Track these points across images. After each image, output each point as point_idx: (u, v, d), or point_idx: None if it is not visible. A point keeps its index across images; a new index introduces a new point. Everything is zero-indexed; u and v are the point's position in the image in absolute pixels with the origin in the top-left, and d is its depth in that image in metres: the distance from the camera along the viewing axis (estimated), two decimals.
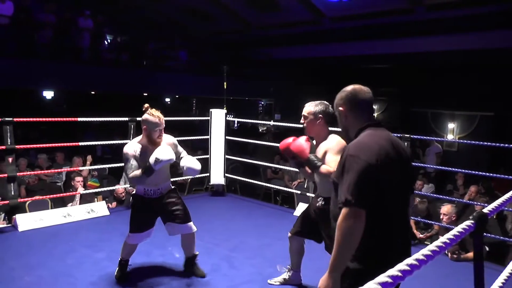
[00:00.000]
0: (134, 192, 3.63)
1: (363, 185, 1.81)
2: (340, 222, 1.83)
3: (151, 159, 3.26)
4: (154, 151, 3.33)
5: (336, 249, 1.85)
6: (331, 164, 2.92)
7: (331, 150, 2.97)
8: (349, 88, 2.18)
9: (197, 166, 3.52)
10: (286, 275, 3.62)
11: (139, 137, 3.52)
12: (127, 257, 3.69)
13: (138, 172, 3.33)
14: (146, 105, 3.48)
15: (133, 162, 3.38)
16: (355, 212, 1.80)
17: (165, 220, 3.59)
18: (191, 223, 3.60)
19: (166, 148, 3.34)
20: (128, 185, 6.19)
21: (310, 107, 3.11)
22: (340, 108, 2.14)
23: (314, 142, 3.21)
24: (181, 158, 3.61)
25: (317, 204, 3.17)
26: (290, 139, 3.17)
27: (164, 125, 3.46)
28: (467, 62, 11.41)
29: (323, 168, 2.94)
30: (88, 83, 11.60)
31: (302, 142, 3.09)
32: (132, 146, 3.44)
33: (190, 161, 3.51)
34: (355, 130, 2.08)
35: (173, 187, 3.69)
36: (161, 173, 3.45)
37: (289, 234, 3.49)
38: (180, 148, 3.70)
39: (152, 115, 3.39)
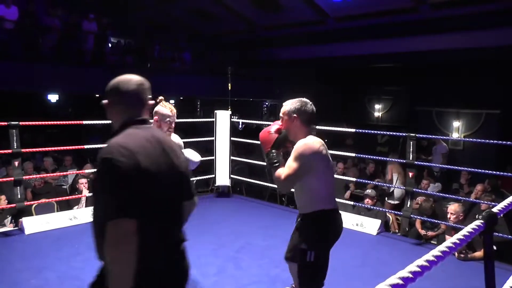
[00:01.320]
0: None
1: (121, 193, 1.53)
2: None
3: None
4: None
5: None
6: (285, 169, 2.60)
7: (293, 153, 2.60)
8: (116, 78, 1.85)
9: (197, 157, 3.45)
10: None
11: None
12: None
13: None
14: (161, 97, 3.41)
15: None
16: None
17: None
18: None
19: (193, 151, 3.28)
20: None
21: (286, 106, 2.74)
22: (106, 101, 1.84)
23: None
24: None
25: (296, 221, 2.84)
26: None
27: (175, 118, 3.38)
28: (471, 60, 11.35)
29: (278, 171, 2.63)
30: (93, 86, 11.62)
31: (269, 132, 2.76)
32: None
33: (189, 153, 3.45)
34: (117, 126, 1.78)
35: None
36: None
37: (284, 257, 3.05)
38: (184, 150, 3.66)
39: (165, 106, 3.35)
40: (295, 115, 2.67)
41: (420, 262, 1.01)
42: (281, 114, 2.76)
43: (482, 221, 1.48)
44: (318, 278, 2.64)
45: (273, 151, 2.68)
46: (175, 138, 3.57)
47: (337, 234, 2.71)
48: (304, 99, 2.76)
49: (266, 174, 8.73)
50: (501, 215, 5.25)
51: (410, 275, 0.93)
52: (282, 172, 2.59)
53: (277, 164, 2.63)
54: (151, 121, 2.20)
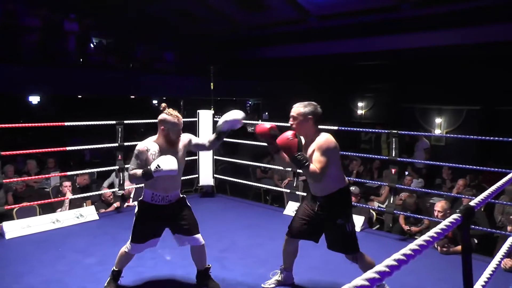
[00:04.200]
0: (141, 198, 3.42)
1: None
2: None
3: (153, 165, 3.12)
4: (169, 150, 3.25)
5: None
6: (316, 164, 2.99)
7: (318, 149, 3.02)
8: None
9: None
10: (279, 277, 3.59)
11: (154, 137, 3.36)
12: (122, 267, 3.50)
13: (138, 172, 3.18)
14: (164, 104, 3.33)
15: (138, 160, 3.25)
16: None
17: (174, 231, 3.44)
18: (199, 235, 3.45)
19: (171, 159, 3.15)
20: (117, 188, 6.16)
21: (300, 108, 3.12)
22: None
23: (303, 140, 3.23)
24: (213, 140, 3.53)
25: (317, 205, 3.22)
26: (268, 125, 3.16)
27: (182, 125, 3.33)
28: (452, 57, 11.51)
29: (311, 167, 2.98)
30: (75, 87, 11.50)
31: (288, 138, 3.04)
32: (145, 144, 3.30)
33: (226, 116, 3.44)
34: None
35: (182, 196, 3.51)
36: (172, 179, 3.30)
37: (286, 237, 3.47)
38: (196, 139, 3.57)
39: (171, 114, 3.27)
40: (310, 116, 3.10)
41: (397, 256, 1.02)
42: (294, 115, 3.13)
43: (459, 214, 1.50)
44: (356, 241, 3.22)
45: (299, 153, 3.01)
46: (183, 137, 3.45)
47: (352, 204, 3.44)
48: (314, 102, 3.18)
49: (250, 173, 8.75)
50: (482, 210, 5.34)
51: (387, 269, 0.94)
52: (315, 167, 2.98)
53: (308, 163, 2.98)
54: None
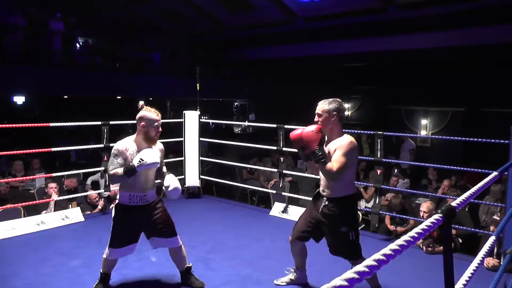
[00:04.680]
0: (117, 201, 3.40)
1: None
2: None
3: (135, 160, 3.13)
4: (149, 149, 3.24)
5: None
6: (334, 163, 2.96)
7: (340, 149, 2.99)
8: None
9: (180, 186, 3.41)
10: (292, 275, 3.60)
11: (133, 136, 3.37)
12: (109, 270, 3.48)
13: (120, 170, 3.16)
14: (141, 103, 3.48)
15: (119, 159, 3.23)
16: None
17: (149, 235, 3.42)
18: (176, 237, 3.44)
19: (153, 151, 3.20)
20: (103, 190, 6.11)
21: (324, 105, 3.09)
22: None
23: (326, 138, 3.19)
24: (162, 173, 3.49)
25: (322, 206, 3.18)
26: (300, 129, 3.11)
27: (161, 122, 3.36)
28: (437, 59, 11.66)
29: (328, 165, 2.97)
30: (60, 87, 11.39)
31: (312, 131, 3.04)
32: (124, 143, 3.30)
33: (175, 181, 3.37)
34: None
35: (158, 197, 3.50)
36: (148, 178, 3.33)
37: (290, 239, 3.46)
38: (162, 159, 3.53)
39: (149, 110, 3.32)
40: (335, 112, 3.06)
41: (377, 256, 1.04)
42: (319, 112, 3.10)
43: (440, 215, 1.52)
44: (360, 249, 3.19)
45: (319, 148, 3.01)
46: (159, 144, 3.49)
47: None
48: (339, 99, 3.13)
49: (237, 174, 8.74)
50: (467, 210, 5.40)
51: (366, 269, 0.95)
52: (332, 166, 2.96)
53: (324, 159, 2.98)
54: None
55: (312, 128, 3.07)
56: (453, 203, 1.70)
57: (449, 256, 1.56)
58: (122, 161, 3.23)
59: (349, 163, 2.98)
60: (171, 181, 3.37)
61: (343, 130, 3.14)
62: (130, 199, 3.32)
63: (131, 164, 3.15)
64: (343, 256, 3.22)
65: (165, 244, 3.44)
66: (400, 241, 1.19)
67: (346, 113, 15.43)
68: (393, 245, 1.13)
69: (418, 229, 1.36)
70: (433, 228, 1.46)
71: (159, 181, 3.43)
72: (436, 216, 1.51)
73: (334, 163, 2.96)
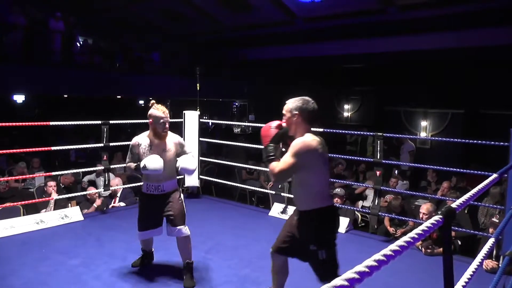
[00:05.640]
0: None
1: None
2: None
3: (142, 163, 3.45)
4: (159, 144, 3.57)
5: None
6: (280, 163, 2.69)
7: (290, 149, 2.69)
8: None
9: (192, 166, 3.64)
10: None
11: (147, 132, 3.68)
12: (146, 248, 3.91)
13: (133, 165, 3.60)
14: (153, 101, 3.69)
15: (132, 154, 3.65)
16: None
17: (165, 221, 3.70)
18: (182, 227, 3.61)
19: (157, 159, 3.46)
20: (102, 189, 6.11)
21: (288, 104, 2.81)
22: None
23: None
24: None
25: (295, 219, 2.88)
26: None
27: (169, 119, 3.62)
28: (437, 61, 11.66)
29: (272, 164, 2.71)
30: (60, 86, 11.38)
31: (270, 126, 2.85)
32: (138, 138, 3.66)
33: (185, 161, 3.61)
34: None
35: (177, 187, 3.79)
36: (164, 170, 3.54)
37: (271, 250, 3.08)
38: (187, 148, 3.81)
39: (157, 109, 3.58)
40: (296, 112, 2.76)
41: (377, 257, 1.04)
42: (283, 111, 2.84)
43: (440, 216, 1.52)
44: (334, 270, 2.76)
45: (271, 144, 2.77)
46: (175, 137, 3.74)
47: (336, 228, 2.88)
48: (306, 98, 2.83)
49: (236, 175, 8.74)
50: (466, 212, 5.41)
51: (367, 270, 0.95)
52: (276, 165, 2.69)
53: (272, 157, 2.73)
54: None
55: (273, 123, 2.85)
56: (453, 205, 1.70)
57: (448, 257, 1.56)
58: (135, 155, 3.63)
59: (297, 166, 2.63)
60: (180, 161, 3.62)
61: (309, 128, 2.80)
62: (147, 188, 3.66)
63: (139, 163, 3.51)
64: (318, 278, 2.80)
65: (170, 232, 3.62)
66: (400, 242, 1.19)
67: (346, 114, 15.43)
68: (393, 246, 1.13)
69: (418, 230, 1.36)
70: (433, 229, 1.46)
71: (178, 164, 3.64)
72: (436, 218, 1.51)
73: (280, 164, 2.67)
